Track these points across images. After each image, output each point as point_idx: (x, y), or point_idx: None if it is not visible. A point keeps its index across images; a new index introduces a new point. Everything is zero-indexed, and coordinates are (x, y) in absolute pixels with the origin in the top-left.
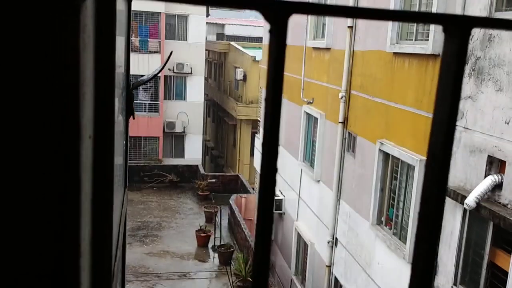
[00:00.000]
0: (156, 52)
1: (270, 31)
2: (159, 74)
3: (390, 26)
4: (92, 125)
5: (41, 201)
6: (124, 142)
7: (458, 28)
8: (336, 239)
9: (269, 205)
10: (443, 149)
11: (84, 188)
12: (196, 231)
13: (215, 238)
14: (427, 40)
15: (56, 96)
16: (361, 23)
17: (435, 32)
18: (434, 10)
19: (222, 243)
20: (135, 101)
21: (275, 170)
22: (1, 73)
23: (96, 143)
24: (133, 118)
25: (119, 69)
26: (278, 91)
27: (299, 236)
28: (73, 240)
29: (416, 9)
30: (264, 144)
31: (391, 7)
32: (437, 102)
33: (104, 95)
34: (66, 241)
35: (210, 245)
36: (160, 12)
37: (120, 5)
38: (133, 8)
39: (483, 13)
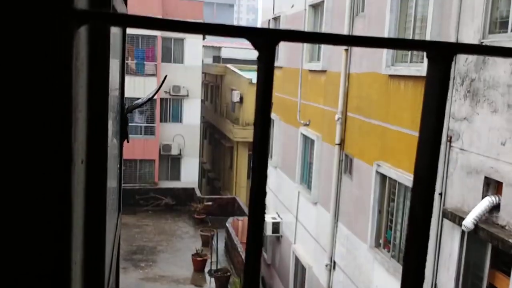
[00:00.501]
0: (152, 75)
1: (258, 58)
2: (155, 97)
3: (385, 49)
4: (85, 149)
5: (31, 224)
6: (118, 166)
7: (441, 54)
8: (334, 262)
9: (259, 227)
10: (428, 172)
11: (76, 212)
12: (192, 255)
13: (211, 262)
14: (422, 62)
15: (48, 122)
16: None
17: None
18: (428, 32)
19: (218, 267)
20: (131, 124)
21: (264, 193)
22: None
23: (89, 168)
24: (127, 142)
25: (114, 93)
26: (266, 115)
27: (296, 259)
28: (64, 264)
29: (411, 31)
30: (253, 169)
31: (386, 29)
32: (422, 126)
33: (97, 120)
34: (57, 264)
35: (206, 270)
36: (156, 36)
37: (115, 28)
38: (129, 31)
39: (477, 36)
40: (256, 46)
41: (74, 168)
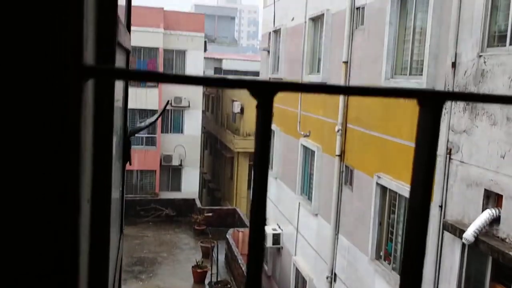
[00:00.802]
0: (154, 86)
1: (257, 107)
2: (156, 108)
3: (384, 61)
4: (90, 189)
5: (39, 266)
6: (121, 189)
7: (431, 102)
8: (335, 274)
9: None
10: (420, 215)
11: (82, 253)
12: (193, 266)
13: (211, 274)
14: (421, 75)
15: (57, 166)
16: (356, 58)
17: (429, 67)
18: (427, 45)
19: (219, 279)
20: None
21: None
22: (4, 143)
23: (93, 207)
24: (130, 164)
25: (118, 118)
26: (265, 162)
27: (297, 271)
28: None
29: (410, 44)
30: (251, 219)
31: (385, 41)
32: (414, 169)
33: (102, 160)
34: None
35: (206, 282)
36: (158, 48)
37: (118, 57)
38: (132, 43)
39: (475, 49)
40: (255, 96)
41: (81, 208)
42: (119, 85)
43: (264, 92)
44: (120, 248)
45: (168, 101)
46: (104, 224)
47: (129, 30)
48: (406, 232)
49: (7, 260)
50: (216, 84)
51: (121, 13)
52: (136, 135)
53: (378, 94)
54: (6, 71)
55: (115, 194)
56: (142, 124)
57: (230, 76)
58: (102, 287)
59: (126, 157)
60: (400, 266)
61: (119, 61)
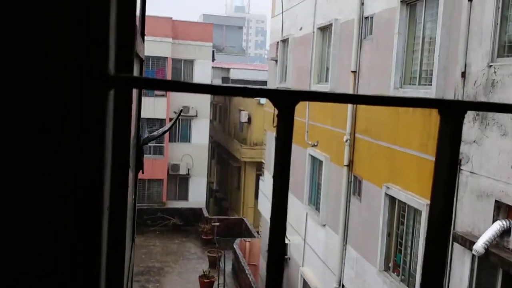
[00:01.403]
0: (162, 95)
1: (278, 116)
2: (164, 117)
3: (393, 71)
4: (109, 197)
5: (62, 273)
6: (134, 197)
7: (452, 112)
8: (343, 285)
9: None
10: (442, 225)
11: (101, 264)
12: (199, 276)
13: (218, 284)
14: (431, 84)
15: (83, 172)
16: (365, 68)
17: (438, 77)
18: (436, 55)
19: None
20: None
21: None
22: (32, 151)
23: (112, 214)
24: (142, 173)
25: (131, 128)
26: (286, 171)
27: (305, 283)
28: None
29: (419, 54)
30: (271, 230)
31: (394, 51)
32: (435, 179)
33: (120, 168)
34: None
35: None
36: (166, 57)
37: (136, 66)
38: None
39: (485, 59)
40: (276, 105)
41: (103, 216)
42: (133, 94)
43: (286, 101)
44: (132, 257)
45: (181, 109)
46: (120, 232)
47: (143, 38)
48: (425, 250)
49: (33, 268)
50: (238, 93)
51: (137, 22)
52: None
53: (398, 103)
54: (35, 80)
55: (129, 203)
56: (155, 133)
57: (252, 86)
58: None
59: (139, 165)
60: (412, 275)
61: (135, 70)
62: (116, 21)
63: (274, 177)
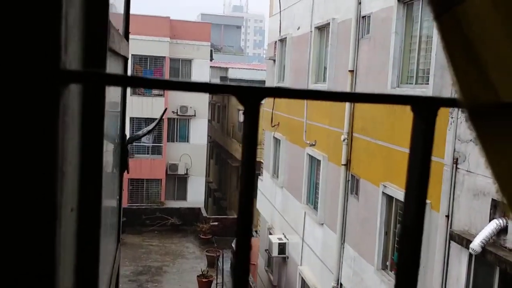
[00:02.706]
0: (160, 95)
1: (244, 113)
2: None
3: (390, 70)
4: (76, 198)
5: (13, 277)
6: (118, 197)
7: (424, 109)
8: (341, 284)
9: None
10: (414, 223)
11: (64, 262)
12: (198, 276)
13: (217, 283)
14: (428, 84)
15: (33, 176)
16: (362, 67)
17: (435, 76)
18: (433, 54)
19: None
20: (138, 144)
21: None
22: None
23: (81, 214)
24: (127, 173)
25: (115, 125)
26: (251, 165)
27: (303, 281)
28: None
29: (416, 53)
30: (237, 230)
31: (391, 51)
32: (408, 177)
33: (90, 169)
34: None
35: None
36: (164, 57)
37: (115, 64)
38: (137, 52)
39: None
40: (241, 102)
41: (61, 217)
42: (116, 93)
43: (250, 97)
44: (117, 258)
45: (166, 109)
46: (93, 233)
47: (127, 38)
48: (400, 242)
49: None
50: (201, 89)
51: (119, 22)
52: (142, 144)
53: (371, 100)
54: None
55: (111, 203)
56: (140, 132)
57: (214, 82)
58: None
59: (123, 165)
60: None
61: (115, 68)
62: (84, 17)
63: (241, 172)
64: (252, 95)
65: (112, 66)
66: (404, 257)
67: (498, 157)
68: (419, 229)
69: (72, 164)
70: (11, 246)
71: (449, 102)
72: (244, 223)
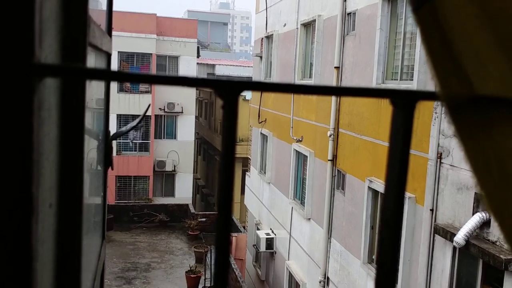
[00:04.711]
0: (146, 92)
1: (222, 107)
2: (149, 114)
3: (375, 66)
4: (55, 193)
5: None
6: (103, 194)
7: (403, 102)
8: (328, 278)
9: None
10: (394, 214)
11: (42, 257)
12: (186, 272)
13: (205, 279)
14: (412, 80)
15: (5, 172)
16: (348, 63)
17: (420, 72)
18: (417, 50)
19: (212, 284)
20: (126, 141)
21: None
22: None
23: (61, 210)
24: (112, 169)
25: (98, 120)
26: (231, 159)
27: (290, 276)
28: None
29: (400, 49)
30: (217, 220)
31: (376, 46)
32: (388, 169)
33: (70, 163)
34: None
35: (200, 287)
36: (151, 53)
37: (98, 60)
38: (124, 49)
39: None
40: (220, 96)
41: (39, 213)
42: (99, 88)
43: (229, 91)
44: (102, 255)
45: (149, 105)
46: (74, 229)
47: (110, 34)
48: (380, 235)
49: None
50: (180, 83)
51: (101, 17)
52: (129, 141)
53: (352, 93)
54: None
55: (95, 199)
56: (123, 129)
57: (191, 76)
58: None
59: (107, 161)
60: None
61: (97, 64)
62: (60, 11)
63: (220, 167)
64: (230, 88)
65: (94, 62)
66: (383, 253)
67: (475, 151)
68: (398, 219)
69: (50, 160)
70: None
71: (428, 95)
72: (224, 217)
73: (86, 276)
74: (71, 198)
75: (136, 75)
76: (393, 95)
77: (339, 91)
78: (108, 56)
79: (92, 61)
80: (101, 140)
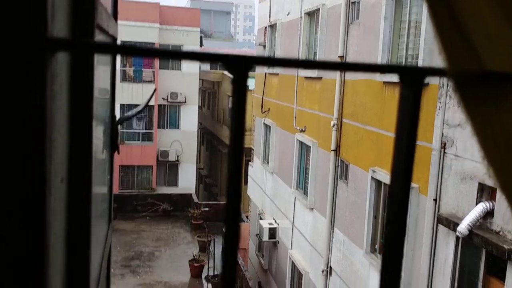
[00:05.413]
0: (150, 81)
1: (233, 82)
2: (153, 104)
3: (380, 55)
4: (66, 168)
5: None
6: (109, 177)
7: (412, 78)
8: (331, 267)
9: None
10: (402, 188)
11: (54, 228)
12: (190, 260)
13: (208, 267)
14: None
15: (19, 145)
16: (352, 52)
17: (424, 60)
18: (422, 38)
19: (216, 273)
20: (129, 130)
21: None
22: None
23: (71, 186)
24: (118, 153)
25: (103, 105)
26: (240, 134)
27: (293, 265)
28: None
29: (405, 38)
30: (227, 189)
31: (380, 36)
32: (396, 146)
33: (80, 139)
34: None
35: (203, 275)
36: (154, 43)
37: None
38: (127, 39)
39: None
40: (230, 71)
41: (51, 187)
42: (105, 73)
43: (239, 66)
44: (109, 237)
45: (155, 89)
46: (84, 203)
47: (115, 19)
48: (387, 214)
49: None
50: (189, 57)
51: (107, 1)
52: (132, 131)
53: (360, 69)
54: None
55: (103, 182)
56: (130, 113)
57: (205, 69)
58: (83, 269)
59: (113, 146)
60: (382, 249)
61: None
62: None
63: (229, 145)
64: (240, 63)
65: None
66: (390, 228)
67: (482, 125)
68: (405, 198)
69: (61, 133)
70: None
71: (436, 72)
72: (232, 218)
73: (94, 253)
74: (81, 173)
75: (144, 49)
76: (401, 71)
77: (347, 67)
78: (114, 40)
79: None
80: (107, 124)
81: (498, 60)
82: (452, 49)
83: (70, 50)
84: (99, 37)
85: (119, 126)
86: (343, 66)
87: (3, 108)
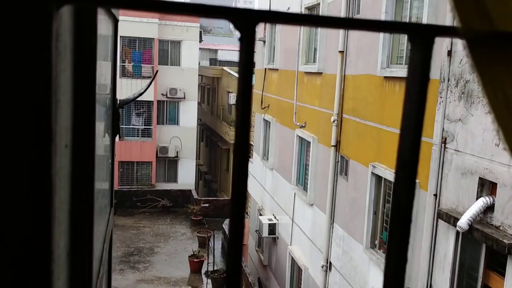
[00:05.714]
0: (149, 77)
1: (240, 39)
2: (152, 99)
3: (380, 51)
4: (70, 135)
5: (7, 208)
6: (110, 161)
7: (422, 37)
8: (330, 263)
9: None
10: (410, 155)
11: (60, 195)
12: (189, 256)
13: (208, 263)
14: None
15: (25, 102)
16: (352, 48)
17: None
18: (425, 14)
19: (215, 268)
20: (128, 126)
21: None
22: None
23: (74, 153)
24: (119, 137)
25: (105, 88)
26: (247, 96)
27: (293, 261)
28: (44, 248)
29: (407, 13)
30: (235, 151)
31: (381, 35)
32: (405, 111)
33: (83, 105)
34: (37, 249)
35: (203, 271)
36: (153, 38)
37: (106, 25)
38: (126, 34)
39: None
40: (236, 27)
41: (56, 151)
42: (106, 64)
43: (246, 21)
44: (110, 221)
45: (157, 71)
46: (88, 168)
47: None
48: (392, 203)
49: None
50: (193, 13)
51: None
52: (132, 126)
53: (367, 27)
54: None
55: (105, 164)
56: (131, 96)
57: (204, 64)
58: (87, 234)
59: (115, 129)
60: (386, 241)
61: (106, 28)
62: None
63: (236, 105)
64: (248, 18)
65: (105, 27)
66: (396, 209)
67: (494, 87)
68: (415, 164)
69: (66, 97)
70: (6, 177)
71: (447, 30)
72: (240, 175)
73: (97, 235)
74: (84, 141)
75: (153, 2)
76: (410, 30)
77: (357, 24)
78: (116, 22)
79: (102, 23)
80: (109, 107)
81: (511, 22)
82: (464, 8)
83: (76, 2)
84: (101, 17)
85: (120, 110)
86: (353, 23)
87: (11, 65)
